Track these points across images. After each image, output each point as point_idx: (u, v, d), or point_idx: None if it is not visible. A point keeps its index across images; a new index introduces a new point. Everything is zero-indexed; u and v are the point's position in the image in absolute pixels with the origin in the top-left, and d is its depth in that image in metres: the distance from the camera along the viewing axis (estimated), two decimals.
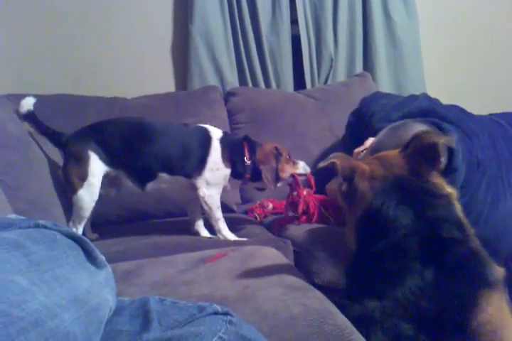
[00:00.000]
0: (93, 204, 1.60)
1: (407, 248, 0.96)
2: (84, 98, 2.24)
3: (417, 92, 1.93)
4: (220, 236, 1.68)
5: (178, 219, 2.05)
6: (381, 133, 1.48)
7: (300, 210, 1.77)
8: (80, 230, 1.60)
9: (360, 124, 1.86)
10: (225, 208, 1.83)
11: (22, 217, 0.75)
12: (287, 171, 1.74)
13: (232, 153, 1.69)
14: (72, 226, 1.60)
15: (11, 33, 2.37)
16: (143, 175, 1.65)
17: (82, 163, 1.58)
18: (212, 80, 2.53)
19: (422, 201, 1.00)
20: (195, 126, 1.75)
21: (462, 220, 1.01)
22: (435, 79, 2.80)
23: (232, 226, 1.73)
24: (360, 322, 0.91)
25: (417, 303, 0.91)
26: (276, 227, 1.84)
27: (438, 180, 1.03)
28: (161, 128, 1.68)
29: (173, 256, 1.35)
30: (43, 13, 2.40)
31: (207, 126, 1.75)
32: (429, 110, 1.62)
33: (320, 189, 1.89)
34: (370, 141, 1.58)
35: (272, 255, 1.33)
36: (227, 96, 2.47)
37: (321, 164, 1.08)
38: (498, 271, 0.95)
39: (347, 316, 0.92)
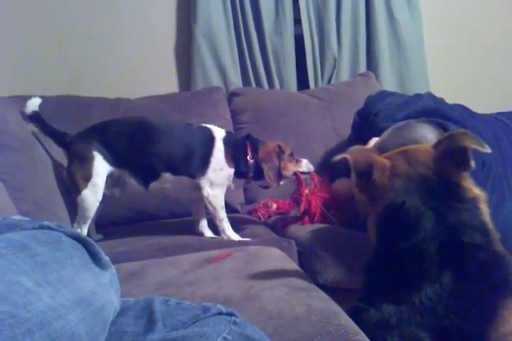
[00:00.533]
0: (97, 204, 1.60)
1: (426, 252, 0.93)
2: (87, 99, 2.25)
3: (421, 91, 1.93)
4: (224, 237, 1.69)
5: (182, 220, 2.05)
6: (385, 133, 1.48)
7: (302, 209, 1.77)
8: (84, 231, 1.61)
9: (365, 123, 1.86)
10: (229, 208, 1.83)
11: (27, 218, 0.75)
12: (290, 169, 1.74)
13: (235, 152, 1.69)
14: (76, 226, 1.60)
15: (13, 33, 2.38)
16: (146, 175, 1.65)
17: (87, 163, 1.58)
18: (216, 80, 2.53)
19: (446, 205, 0.95)
20: (199, 125, 1.75)
21: (487, 225, 0.96)
22: (439, 78, 2.79)
23: (236, 226, 1.73)
24: (377, 328, 0.90)
25: (434, 310, 0.89)
26: (279, 228, 1.84)
27: (466, 182, 0.98)
28: (165, 128, 1.69)
29: (177, 256, 1.36)
30: (46, 13, 2.41)
31: (210, 125, 1.75)
32: (434, 109, 1.61)
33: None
34: (374, 141, 1.58)
35: (276, 255, 1.33)
36: (231, 96, 2.47)
37: (336, 158, 1.04)
38: None
39: (363, 321, 0.91)
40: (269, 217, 2.09)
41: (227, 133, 1.75)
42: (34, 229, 0.65)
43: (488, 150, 0.92)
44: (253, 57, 2.58)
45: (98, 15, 2.48)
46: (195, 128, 1.73)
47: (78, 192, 1.59)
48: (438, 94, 1.84)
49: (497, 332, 0.85)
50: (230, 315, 0.73)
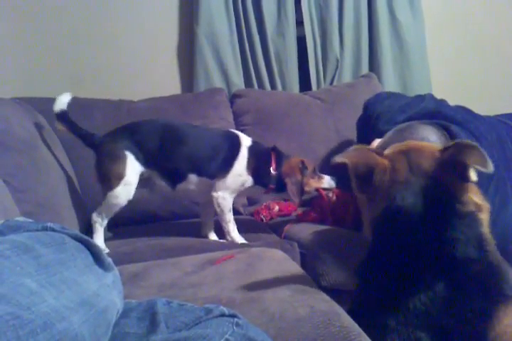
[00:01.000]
0: (126, 202, 1.62)
1: (418, 263, 0.93)
2: (90, 101, 2.25)
3: (423, 93, 1.92)
4: (228, 238, 1.70)
5: (185, 221, 2.05)
6: (387, 135, 1.47)
7: (330, 223, 1.80)
8: (104, 223, 1.62)
9: (367, 128, 1.85)
10: (232, 210, 1.83)
11: (30, 220, 0.75)
12: (312, 185, 1.77)
13: (258, 162, 1.72)
14: (97, 216, 1.61)
15: (15, 36, 2.38)
16: (174, 176, 1.68)
17: (120, 162, 1.60)
18: (218, 82, 2.54)
19: (442, 220, 0.94)
20: (227, 131, 1.80)
21: (483, 236, 0.95)
22: (441, 79, 2.79)
23: (239, 228, 1.73)
24: (377, 330, 0.90)
25: (429, 314, 0.89)
26: (282, 230, 1.84)
27: (466, 193, 0.95)
28: (194, 131, 1.72)
29: (179, 258, 1.36)
30: (48, 15, 2.42)
31: (238, 132, 1.80)
32: (436, 111, 1.61)
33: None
34: (376, 142, 1.58)
35: (278, 257, 1.33)
36: (233, 98, 2.47)
37: (335, 160, 1.02)
38: None
39: (362, 325, 0.91)
40: (272, 218, 2.09)
41: (254, 142, 1.77)
42: (37, 230, 0.66)
43: (490, 169, 0.89)
44: (255, 59, 2.58)
45: (100, 16, 2.49)
46: (223, 133, 1.77)
47: (110, 189, 1.59)
48: (440, 96, 1.84)
49: (494, 331, 0.87)
50: (233, 316, 0.73)
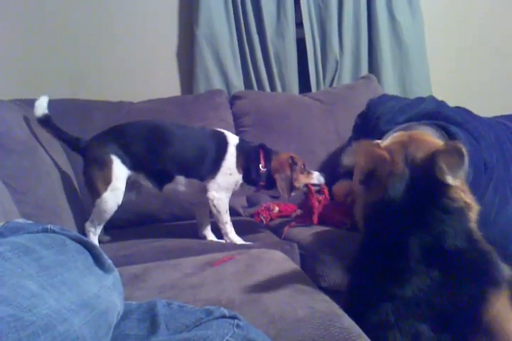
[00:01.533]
0: (116, 207, 1.61)
1: (410, 254, 0.96)
2: (90, 102, 2.25)
3: (423, 94, 1.93)
4: (227, 240, 1.69)
5: (184, 223, 2.05)
6: (387, 136, 1.48)
7: (315, 221, 1.78)
8: (98, 231, 1.62)
9: (367, 126, 1.86)
10: (231, 211, 1.83)
11: (30, 222, 0.76)
12: (301, 181, 1.76)
13: (246, 159, 1.71)
14: (89, 226, 1.61)
15: (14, 37, 2.38)
16: (161, 177, 1.67)
17: (106, 167, 1.59)
18: (218, 84, 2.54)
19: (431, 215, 0.96)
20: (213, 130, 1.78)
21: (473, 230, 0.98)
22: (440, 80, 2.79)
23: (238, 229, 1.73)
24: (377, 328, 0.91)
25: (428, 301, 0.92)
26: (282, 232, 1.84)
27: (456, 190, 0.98)
28: (179, 131, 1.71)
29: (179, 259, 1.36)
30: (48, 17, 2.42)
31: (225, 131, 1.78)
32: (436, 112, 1.61)
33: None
34: None
35: (278, 258, 1.33)
36: (233, 99, 2.47)
37: (346, 161, 1.05)
38: (507, 271, 0.97)
39: (362, 323, 0.91)
40: (271, 220, 2.09)
41: (241, 140, 1.77)
42: (38, 232, 0.66)
43: (451, 182, 0.92)
44: (255, 60, 2.59)
45: (100, 18, 2.49)
46: (209, 133, 1.75)
47: (98, 195, 1.58)
48: (440, 97, 1.84)
49: (488, 314, 0.91)
50: (233, 318, 0.73)
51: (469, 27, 2.87)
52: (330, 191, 1.86)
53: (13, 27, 2.38)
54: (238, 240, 1.68)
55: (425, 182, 0.96)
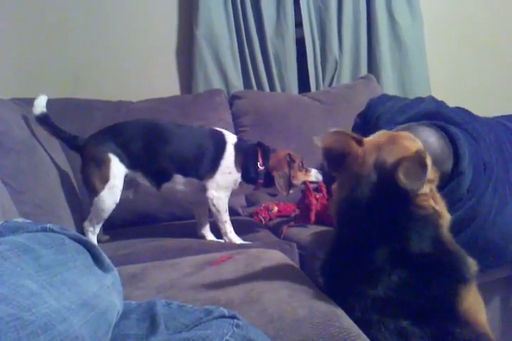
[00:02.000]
0: (114, 206, 1.61)
1: (377, 255, 0.97)
2: (89, 101, 2.25)
3: (422, 94, 1.93)
4: (226, 239, 1.69)
5: (183, 222, 2.05)
6: None
7: (312, 218, 1.79)
8: (97, 230, 1.62)
9: (366, 126, 1.86)
10: (231, 211, 1.83)
11: (29, 221, 0.75)
12: (300, 178, 1.76)
13: (245, 158, 1.71)
14: (88, 225, 1.61)
15: (15, 36, 2.38)
16: (159, 176, 1.67)
17: (103, 165, 1.59)
18: (217, 83, 2.54)
19: (396, 221, 0.96)
20: (211, 129, 1.78)
21: (441, 235, 0.99)
22: (440, 81, 2.79)
23: (238, 229, 1.73)
24: (361, 325, 0.91)
25: (400, 299, 0.94)
26: (281, 231, 1.84)
27: (426, 199, 0.97)
28: (178, 130, 1.71)
29: (178, 259, 1.36)
30: (47, 16, 2.42)
31: (223, 130, 1.78)
32: (435, 112, 1.61)
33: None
34: None
35: (277, 258, 1.33)
36: (232, 99, 2.47)
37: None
38: (473, 267, 1.00)
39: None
40: (271, 219, 2.09)
41: (239, 138, 1.77)
42: (37, 231, 0.66)
43: (414, 191, 0.92)
44: (254, 60, 2.59)
45: (100, 18, 2.49)
46: (207, 132, 1.75)
47: (96, 194, 1.59)
48: (439, 97, 1.84)
49: (462, 307, 0.95)
50: (233, 317, 0.73)
51: (469, 27, 2.88)
52: (329, 189, 1.85)
53: (12, 26, 2.37)
54: (237, 240, 1.68)
55: (392, 187, 0.94)
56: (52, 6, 2.42)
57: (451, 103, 1.79)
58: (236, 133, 2.30)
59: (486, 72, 2.90)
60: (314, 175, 1.78)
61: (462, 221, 1.36)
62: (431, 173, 0.95)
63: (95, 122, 2.10)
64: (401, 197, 0.95)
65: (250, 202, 2.28)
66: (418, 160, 0.92)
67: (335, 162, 1.04)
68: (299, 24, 2.65)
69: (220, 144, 1.70)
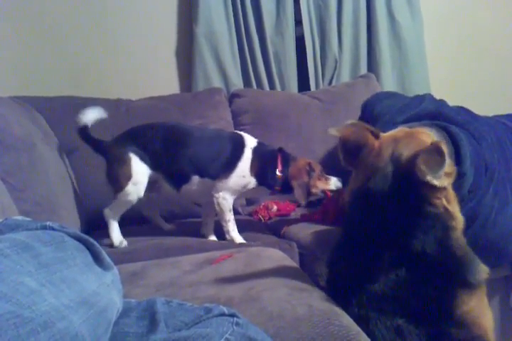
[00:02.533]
0: (137, 200, 1.65)
1: (379, 249, 0.97)
2: (88, 99, 2.24)
3: (422, 93, 1.92)
4: (228, 237, 1.70)
5: (184, 221, 2.05)
6: None
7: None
8: (117, 217, 1.66)
9: None
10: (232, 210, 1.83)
11: (28, 219, 0.75)
12: (319, 187, 1.77)
13: (262, 163, 1.72)
14: (109, 212, 1.65)
15: (14, 34, 2.38)
16: (179, 178, 1.70)
17: (125, 164, 1.63)
18: (217, 82, 2.54)
19: (405, 216, 0.95)
20: (232, 132, 1.82)
21: (447, 238, 0.97)
22: (439, 80, 2.79)
23: (237, 228, 1.73)
24: (359, 322, 0.92)
25: (396, 296, 0.94)
26: (282, 229, 1.84)
27: (440, 198, 0.95)
28: (198, 133, 1.73)
29: (178, 257, 1.36)
30: (47, 14, 2.41)
31: (243, 133, 1.79)
32: (436, 112, 1.61)
33: None
34: None
35: (277, 256, 1.33)
36: (232, 97, 2.47)
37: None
38: (483, 274, 0.97)
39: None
40: (270, 218, 2.09)
41: (259, 143, 1.77)
42: (37, 229, 0.66)
43: (436, 182, 0.90)
44: (254, 59, 2.58)
45: (99, 16, 2.48)
46: (227, 135, 1.78)
47: (121, 189, 1.63)
48: (439, 96, 1.84)
49: (460, 309, 0.94)
50: (233, 316, 0.73)
51: (468, 26, 2.88)
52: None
53: (12, 25, 2.37)
54: (239, 239, 1.69)
55: (407, 181, 0.94)
56: (52, 5, 2.41)
57: (450, 101, 1.78)
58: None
59: (485, 70, 2.90)
60: (334, 184, 1.78)
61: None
62: (448, 166, 0.92)
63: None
64: (414, 192, 0.94)
65: (250, 201, 2.28)
66: (436, 150, 0.91)
67: (350, 154, 1.04)
68: (298, 22, 2.65)
69: (239, 147, 1.71)
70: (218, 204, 1.69)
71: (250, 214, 2.18)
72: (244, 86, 2.59)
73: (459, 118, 1.56)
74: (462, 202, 1.36)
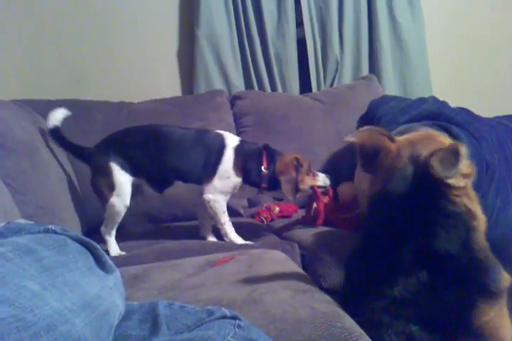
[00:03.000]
0: (125, 210, 1.64)
1: (400, 252, 0.95)
2: (90, 102, 2.25)
3: (423, 94, 1.93)
4: (227, 240, 1.69)
5: (185, 224, 2.05)
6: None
7: (320, 223, 1.77)
8: (113, 232, 1.65)
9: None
10: (232, 212, 1.83)
11: (31, 222, 0.75)
12: (307, 183, 1.73)
13: (246, 161, 1.69)
14: (104, 230, 1.64)
15: (16, 37, 2.39)
16: (161, 183, 1.69)
17: (107, 174, 1.62)
18: (218, 84, 2.54)
19: (428, 215, 0.94)
20: (213, 132, 1.75)
21: (469, 238, 0.94)
22: (441, 81, 2.79)
23: (239, 230, 1.73)
24: (371, 327, 0.91)
25: (415, 301, 0.92)
26: (284, 231, 1.84)
27: (458, 193, 0.94)
28: (177, 135, 1.70)
29: (180, 260, 1.36)
30: (48, 17, 2.42)
31: (225, 133, 1.76)
32: (437, 113, 1.61)
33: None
34: None
35: (279, 258, 1.33)
36: (233, 99, 2.47)
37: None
38: (504, 282, 0.94)
39: (357, 322, 0.92)
40: (272, 220, 2.09)
41: (241, 141, 1.74)
42: (39, 232, 0.66)
43: (446, 174, 0.89)
44: (255, 61, 2.59)
45: (101, 18, 2.50)
46: (208, 136, 1.73)
47: (106, 200, 1.62)
48: (441, 97, 1.84)
49: (479, 320, 0.90)
50: (235, 318, 0.73)
51: (470, 27, 2.87)
52: (336, 193, 1.85)
53: (13, 27, 2.38)
54: (239, 240, 1.67)
55: (427, 181, 0.93)
56: (53, 7, 2.42)
57: (452, 102, 1.78)
58: (237, 133, 2.30)
59: (487, 72, 2.89)
60: (322, 180, 1.75)
61: None
62: (466, 167, 0.92)
63: (97, 123, 2.10)
64: (434, 191, 0.93)
65: (252, 203, 2.28)
66: (452, 150, 0.91)
67: (368, 159, 1.03)
68: (299, 23, 2.65)
69: (219, 148, 1.68)
70: (211, 207, 1.67)
71: (252, 216, 2.18)
72: (245, 88, 2.60)
73: (459, 118, 1.56)
74: None
